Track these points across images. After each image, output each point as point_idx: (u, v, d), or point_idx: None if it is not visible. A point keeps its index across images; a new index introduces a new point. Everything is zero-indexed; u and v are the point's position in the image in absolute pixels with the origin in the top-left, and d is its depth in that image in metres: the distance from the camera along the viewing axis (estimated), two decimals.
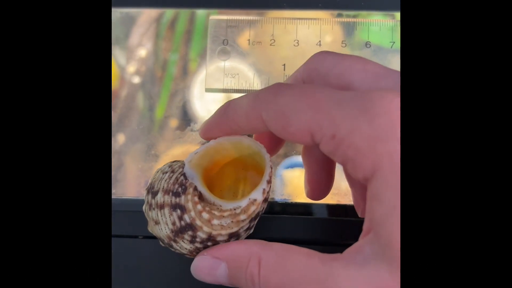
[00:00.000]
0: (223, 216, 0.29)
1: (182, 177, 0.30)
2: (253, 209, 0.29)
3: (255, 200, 0.29)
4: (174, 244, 0.30)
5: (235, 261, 0.24)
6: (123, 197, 0.39)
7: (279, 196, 0.42)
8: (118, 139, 0.43)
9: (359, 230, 0.35)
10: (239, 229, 0.30)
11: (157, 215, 0.30)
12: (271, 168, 0.30)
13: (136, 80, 0.45)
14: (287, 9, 0.44)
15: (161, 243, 0.32)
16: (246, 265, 0.24)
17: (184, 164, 0.31)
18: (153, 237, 0.34)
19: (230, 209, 0.29)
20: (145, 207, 0.32)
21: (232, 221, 0.29)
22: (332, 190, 0.34)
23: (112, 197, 0.39)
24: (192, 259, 0.30)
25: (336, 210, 0.39)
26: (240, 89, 0.40)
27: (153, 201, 0.30)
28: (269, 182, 0.30)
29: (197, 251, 0.30)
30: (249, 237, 0.32)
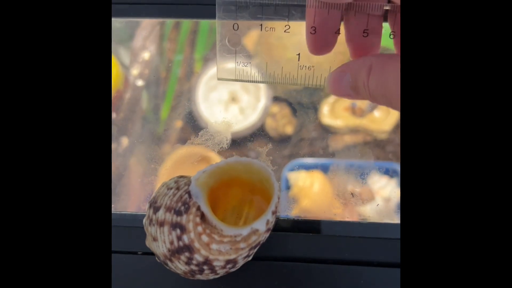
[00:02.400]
0: (223, 242, 0.29)
1: (186, 195, 0.29)
2: (254, 238, 0.29)
3: (257, 230, 0.29)
4: (169, 263, 0.30)
5: (355, 70, 0.27)
6: (122, 212, 0.39)
7: (284, 196, 0.42)
8: (122, 143, 0.43)
9: (365, 248, 0.35)
10: (237, 257, 0.29)
11: (156, 232, 0.30)
12: (279, 199, 0.30)
13: (140, 83, 0.45)
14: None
15: (157, 258, 0.31)
16: (361, 72, 0.27)
17: (190, 182, 0.30)
18: (152, 254, 0.34)
19: (231, 236, 0.29)
20: (145, 221, 0.31)
21: (231, 248, 0.29)
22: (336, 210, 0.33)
23: (112, 211, 0.39)
24: (187, 279, 0.30)
25: (342, 227, 0.39)
26: (252, 80, 0.36)
27: (154, 216, 0.30)
28: (274, 212, 0.30)
29: (192, 273, 0.30)
30: (247, 263, 0.31)
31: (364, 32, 0.29)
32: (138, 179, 0.41)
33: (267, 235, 0.31)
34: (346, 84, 0.28)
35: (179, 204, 0.29)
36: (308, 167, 0.46)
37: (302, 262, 0.35)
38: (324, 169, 0.45)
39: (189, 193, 0.30)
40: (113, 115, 0.43)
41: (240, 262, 0.30)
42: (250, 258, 0.31)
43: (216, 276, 0.31)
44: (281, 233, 0.36)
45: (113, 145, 0.42)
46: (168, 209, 0.29)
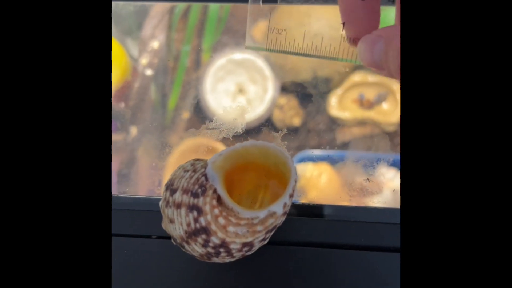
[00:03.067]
0: (240, 224, 0.29)
1: (203, 178, 0.29)
2: (271, 221, 0.29)
3: (274, 213, 0.29)
4: (186, 245, 0.30)
5: (390, 35, 0.26)
6: (136, 196, 0.39)
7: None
8: (131, 132, 0.43)
9: (381, 233, 0.35)
10: (254, 240, 0.29)
11: (173, 214, 0.30)
12: (296, 182, 0.30)
13: (149, 72, 0.45)
14: None
15: (173, 241, 0.31)
16: (395, 38, 0.25)
17: (207, 165, 0.30)
18: (167, 237, 0.34)
19: (248, 218, 0.29)
20: (162, 203, 0.31)
21: (248, 231, 0.29)
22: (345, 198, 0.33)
23: (125, 195, 0.38)
24: (203, 262, 0.30)
25: (357, 212, 0.39)
26: (286, 50, 0.31)
27: (170, 198, 0.30)
28: (291, 196, 0.30)
29: (208, 255, 0.30)
30: (263, 247, 0.31)
31: None
32: (148, 166, 0.41)
33: (283, 218, 0.30)
34: (379, 51, 0.26)
35: (196, 187, 0.29)
36: (315, 159, 0.46)
37: (317, 247, 0.35)
38: (332, 160, 0.45)
39: (205, 175, 0.30)
40: (122, 104, 0.43)
41: (257, 245, 0.30)
42: (266, 242, 0.31)
43: (232, 259, 0.31)
44: (297, 218, 0.36)
45: (123, 134, 0.42)
46: (185, 191, 0.29)
